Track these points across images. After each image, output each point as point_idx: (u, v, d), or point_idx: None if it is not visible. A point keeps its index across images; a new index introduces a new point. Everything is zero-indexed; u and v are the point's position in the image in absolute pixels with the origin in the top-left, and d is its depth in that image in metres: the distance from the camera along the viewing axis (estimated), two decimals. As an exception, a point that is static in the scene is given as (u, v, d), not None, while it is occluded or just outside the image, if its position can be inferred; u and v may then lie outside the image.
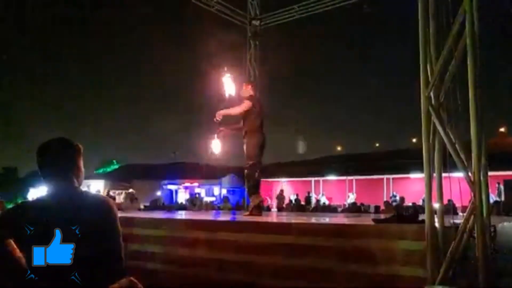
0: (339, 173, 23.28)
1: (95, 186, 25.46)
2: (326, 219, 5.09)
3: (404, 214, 3.77)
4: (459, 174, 3.13)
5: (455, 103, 3.26)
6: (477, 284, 2.84)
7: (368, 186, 21.28)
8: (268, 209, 15.11)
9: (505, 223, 3.52)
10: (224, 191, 26.06)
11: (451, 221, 3.18)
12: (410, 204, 14.33)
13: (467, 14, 3.15)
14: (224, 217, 5.94)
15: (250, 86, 5.64)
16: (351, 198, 19.48)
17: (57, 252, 1.65)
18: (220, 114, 5.35)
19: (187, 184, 28.28)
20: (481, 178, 3.04)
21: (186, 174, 29.42)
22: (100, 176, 32.85)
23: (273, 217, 6.22)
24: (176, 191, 28.64)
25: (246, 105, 5.31)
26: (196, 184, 28.08)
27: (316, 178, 23.70)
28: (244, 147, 5.36)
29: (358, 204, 14.20)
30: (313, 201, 19.06)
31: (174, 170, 30.18)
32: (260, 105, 5.47)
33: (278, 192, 19.23)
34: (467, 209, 3.05)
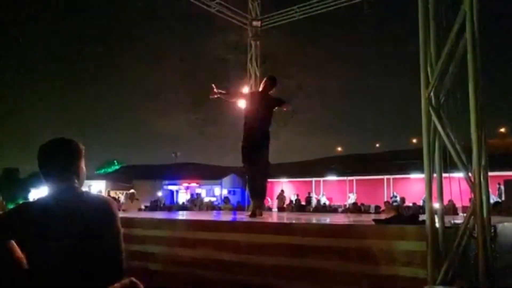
0: (339, 173, 23.30)
1: (96, 187, 25.48)
2: (327, 220, 5.09)
3: (405, 215, 3.77)
4: (460, 175, 3.14)
5: (456, 103, 3.26)
6: (477, 285, 2.84)
7: (368, 187, 21.28)
8: (269, 209, 15.11)
9: (506, 224, 3.52)
10: (225, 192, 26.05)
11: (452, 221, 3.19)
12: (411, 204, 14.34)
13: (467, 14, 3.15)
14: (225, 217, 5.95)
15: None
16: (352, 198, 19.48)
17: (58, 253, 1.66)
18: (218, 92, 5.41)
19: (187, 185, 28.30)
20: (481, 178, 3.04)
21: (186, 175, 29.45)
22: (101, 177, 32.88)
23: (274, 217, 6.22)
24: (177, 192, 28.66)
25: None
26: (197, 184, 28.09)
27: (316, 179, 23.72)
28: None
29: (359, 204, 14.19)
30: (314, 201, 19.05)
31: (175, 171, 30.22)
32: (251, 104, 5.27)
33: (278, 192, 19.23)
34: (468, 209, 3.05)
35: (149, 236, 4.34)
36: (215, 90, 5.36)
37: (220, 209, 14.60)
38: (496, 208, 7.65)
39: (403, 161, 21.97)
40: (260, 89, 5.45)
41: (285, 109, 5.37)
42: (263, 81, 5.48)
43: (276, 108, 5.34)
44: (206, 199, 22.56)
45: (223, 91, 5.49)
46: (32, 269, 1.70)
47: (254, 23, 10.18)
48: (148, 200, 19.21)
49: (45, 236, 1.66)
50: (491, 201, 4.98)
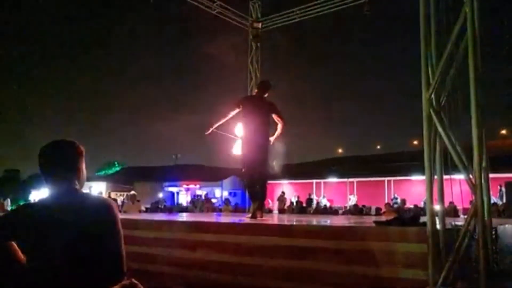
0: (340, 175, 23.29)
1: (97, 188, 25.47)
2: (328, 221, 5.08)
3: (406, 217, 3.76)
4: (460, 176, 3.13)
5: (456, 105, 3.26)
6: (478, 286, 2.83)
7: (369, 188, 21.27)
8: (269, 211, 15.10)
9: (507, 225, 3.51)
10: (225, 193, 26.04)
11: (453, 223, 3.18)
12: (412, 206, 14.32)
13: (468, 14, 3.15)
14: (226, 219, 5.94)
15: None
16: (352, 200, 19.47)
17: (58, 254, 1.66)
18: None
19: (188, 186, 28.29)
20: (482, 180, 3.03)
21: (187, 176, 29.46)
22: (101, 178, 32.90)
23: (275, 219, 6.22)
24: (177, 193, 28.65)
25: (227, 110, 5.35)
26: (197, 186, 28.08)
27: (317, 180, 23.70)
28: None
29: (360, 206, 14.17)
30: (314, 203, 19.03)
31: (175, 172, 30.24)
32: (247, 108, 5.26)
33: (279, 194, 19.21)
34: (468, 211, 3.05)
35: (150, 238, 4.34)
36: (210, 128, 5.33)
37: (220, 210, 14.59)
38: (494, 210, 7.64)
39: (404, 162, 21.97)
40: (255, 93, 5.55)
41: (278, 133, 5.36)
42: (257, 85, 5.63)
43: (274, 116, 5.34)
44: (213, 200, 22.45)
45: (218, 123, 5.38)
46: (32, 270, 1.70)
47: (255, 24, 10.20)
48: (148, 202, 19.21)
49: (45, 237, 1.66)
50: (491, 202, 4.98)
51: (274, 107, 5.34)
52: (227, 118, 5.38)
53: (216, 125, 5.36)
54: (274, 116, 5.32)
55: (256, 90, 5.59)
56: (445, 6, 3.27)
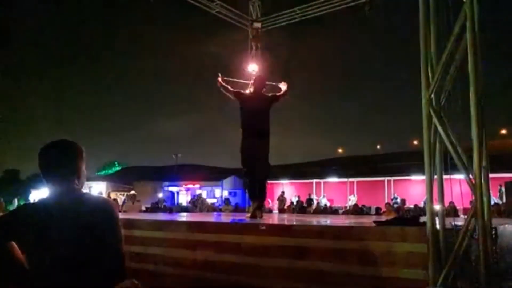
0: (340, 175, 23.31)
1: (97, 188, 25.46)
2: (328, 221, 5.08)
3: (406, 216, 3.76)
4: (460, 176, 3.13)
5: (456, 105, 3.26)
6: (478, 286, 2.83)
7: (369, 188, 21.29)
8: (270, 211, 15.10)
9: (507, 225, 3.51)
10: (225, 193, 26.04)
11: (452, 223, 3.18)
12: (412, 206, 14.33)
13: (468, 14, 3.15)
14: (225, 219, 5.94)
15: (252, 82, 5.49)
16: (353, 200, 19.48)
17: (58, 254, 1.66)
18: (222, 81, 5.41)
19: (188, 186, 28.30)
20: (482, 180, 3.03)
21: (187, 176, 29.48)
22: (101, 178, 32.89)
23: (275, 219, 6.21)
24: (178, 193, 28.65)
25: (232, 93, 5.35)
26: (197, 186, 28.09)
27: (317, 180, 23.71)
28: None
29: (360, 206, 14.16)
30: (314, 203, 19.04)
31: (176, 172, 30.25)
32: (246, 106, 5.24)
33: (279, 194, 19.21)
34: (469, 211, 3.05)
35: (150, 238, 4.34)
36: (220, 79, 5.37)
37: (220, 210, 14.59)
38: (494, 210, 7.64)
39: (404, 162, 22.00)
40: (252, 90, 5.40)
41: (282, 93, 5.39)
42: (251, 82, 5.48)
43: (275, 102, 5.34)
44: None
45: (226, 86, 5.42)
46: (32, 270, 1.70)
47: (255, 24, 10.21)
48: (148, 202, 19.21)
49: (45, 237, 1.67)
50: (491, 202, 4.98)
51: (272, 97, 5.34)
52: (229, 94, 5.39)
53: (223, 86, 5.39)
54: (278, 100, 5.34)
55: (252, 87, 5.39)
56: (445, 6, 3.27)
